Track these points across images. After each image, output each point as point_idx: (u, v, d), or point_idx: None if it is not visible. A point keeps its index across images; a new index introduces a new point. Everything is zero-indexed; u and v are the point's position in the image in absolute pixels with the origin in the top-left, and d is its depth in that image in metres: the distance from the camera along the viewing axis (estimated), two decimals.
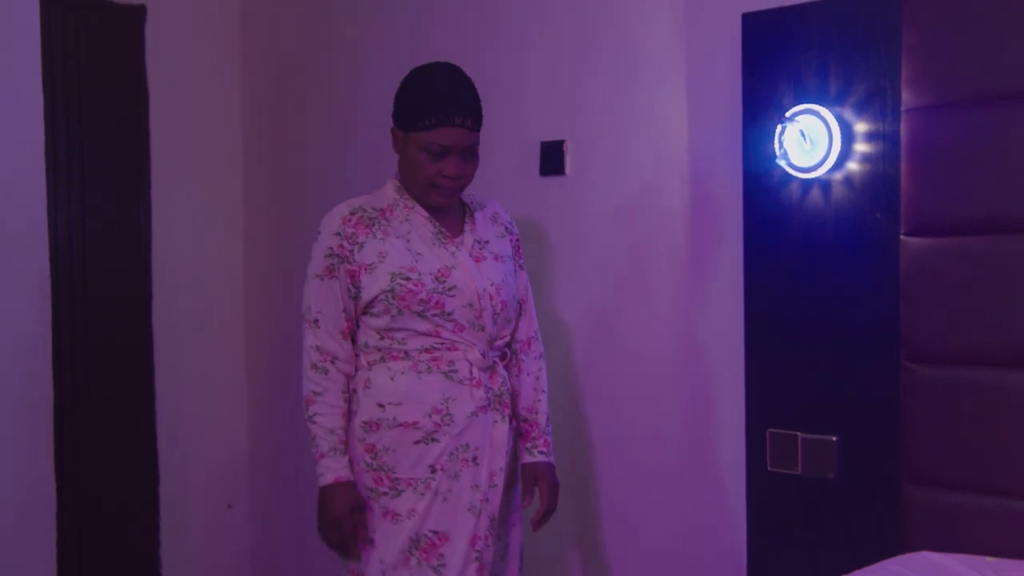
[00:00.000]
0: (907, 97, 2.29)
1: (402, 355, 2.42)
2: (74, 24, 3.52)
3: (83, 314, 3.56)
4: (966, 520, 2.22)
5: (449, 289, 2.41)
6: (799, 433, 2.47)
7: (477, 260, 2.47)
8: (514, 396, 2.57)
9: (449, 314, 2.41)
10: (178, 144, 3.75)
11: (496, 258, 2.52)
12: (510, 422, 2.50)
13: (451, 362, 2.42)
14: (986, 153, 2.20)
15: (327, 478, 2.42)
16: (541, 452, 2.59)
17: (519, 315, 2.60)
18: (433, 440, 2.41)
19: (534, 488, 2.58)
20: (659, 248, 2.82)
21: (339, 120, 3.61)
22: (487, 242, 2.52)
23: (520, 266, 2.62)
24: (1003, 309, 2.18)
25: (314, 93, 3.71)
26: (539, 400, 2.60)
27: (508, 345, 2.58)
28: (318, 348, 2.45)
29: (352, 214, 2.46)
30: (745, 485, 2.57)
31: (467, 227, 2.52)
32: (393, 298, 2.39)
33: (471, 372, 2.43)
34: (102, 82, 3.60)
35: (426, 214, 2.46)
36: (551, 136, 3.02)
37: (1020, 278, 2.16)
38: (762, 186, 2.51)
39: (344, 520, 2.40)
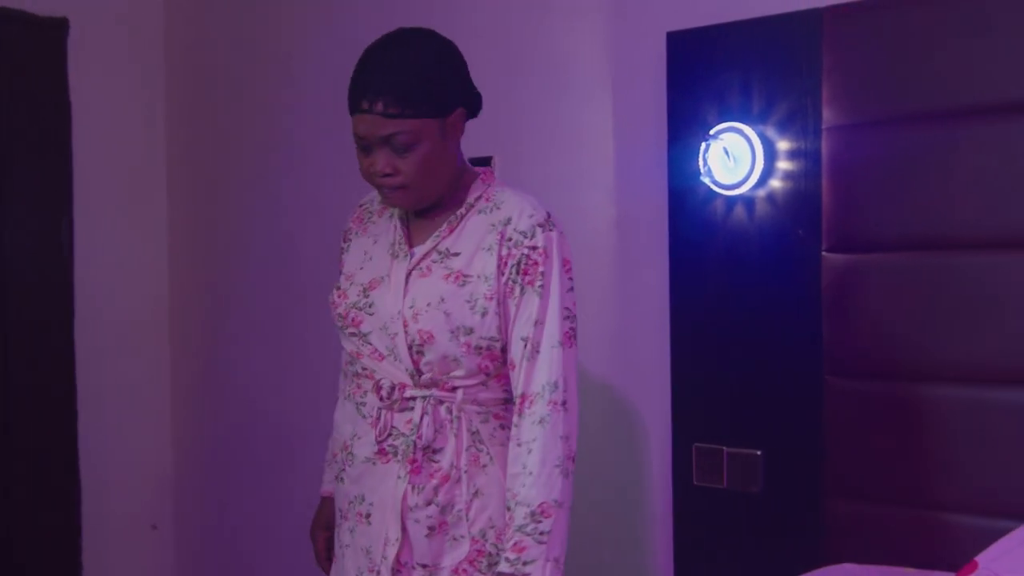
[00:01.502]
0: (827, 116, 2.33)
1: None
2: None
3: (2, 333, 3.48)
4: (887, 532, 2.26)
5: (369, 306, 2.02)
6: (724, 447, 2.49)
7: (422, 275, 1.99)
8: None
9: (366, 335, 2.01)
10: (101, 159, 3.68)
11: (449, 276, 1.97)
12: (421, 482, 1.96)
13: (365, 393, 2.02)
14: (903, 171, 2.24)
15: (320, 489, 2.31)
16: (507, 560, 1.90)
17: (524, 358, 1.94)
18: (341, 480, 2.08)
19: None
20: (584, 263, 2.82)
21: (267, 133, 3.58)
22: (455, 255, 1.99)
23: (536, 291, 1.95)
24: (921, 324, 2.22)
25: (241, 106, 3.67)
26: (523, 484, 1.89)
27: (506, 400, 2.03)
28: (345, 348, 2.11)
29: (360, 206, 2.17)
30: (671, 499, 2.58)
31: (436, 233, 2.02)
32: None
33: (374, 409, 2.00)
34: (23, 96, 3.52)
35: (401, 214, 2.07)
36: (479, 152, 3.01)
37: (937, 293, 2.20)
38: (687, 203, 2.54)
39: (315, 536, 2.27)
